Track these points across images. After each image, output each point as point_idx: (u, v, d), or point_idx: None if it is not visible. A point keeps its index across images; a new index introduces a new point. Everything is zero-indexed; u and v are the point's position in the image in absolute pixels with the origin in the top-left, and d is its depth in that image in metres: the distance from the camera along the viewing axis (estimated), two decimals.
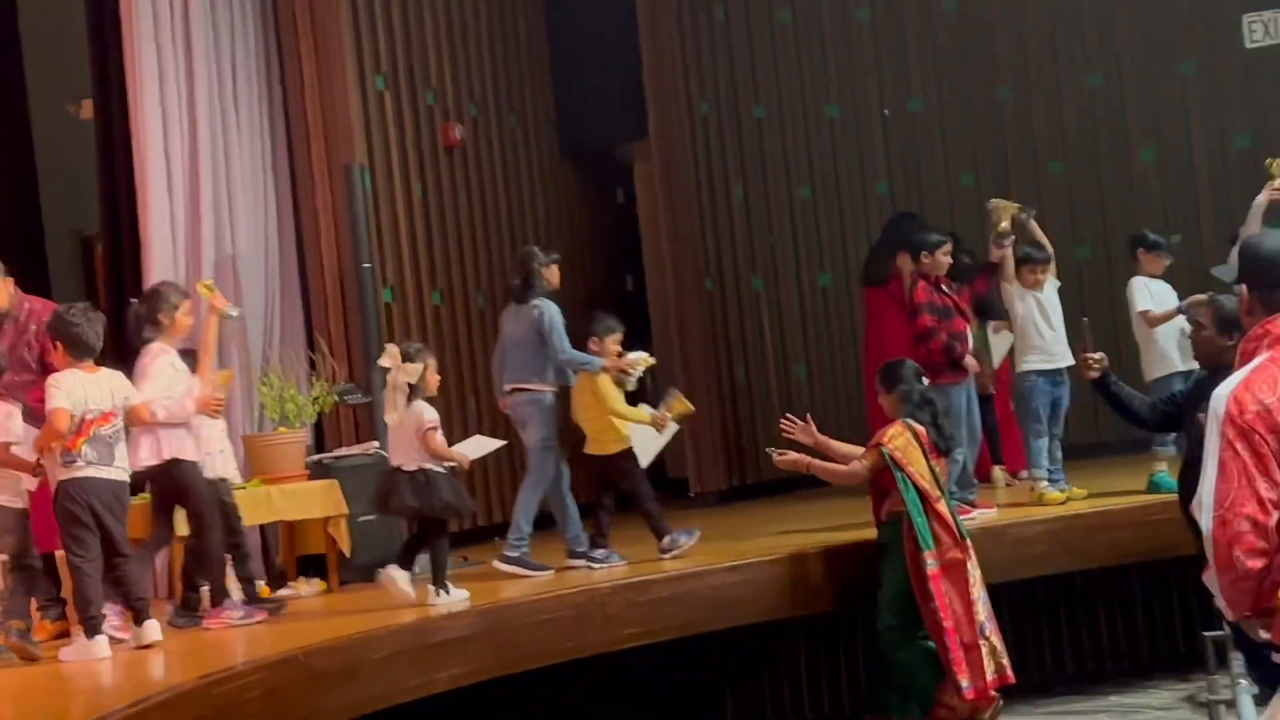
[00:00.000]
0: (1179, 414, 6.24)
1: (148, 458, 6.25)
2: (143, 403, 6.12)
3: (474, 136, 9.77)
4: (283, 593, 7.38)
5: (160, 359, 6.36)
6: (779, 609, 7.02)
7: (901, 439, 6.62)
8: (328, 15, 8.59)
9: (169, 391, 6.29)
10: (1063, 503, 7.82)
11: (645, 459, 7.37)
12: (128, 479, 6.05)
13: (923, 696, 6.61)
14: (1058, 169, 10.73)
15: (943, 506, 6.55)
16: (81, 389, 5.89)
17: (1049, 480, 7.92)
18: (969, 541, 6.61)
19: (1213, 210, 10.40)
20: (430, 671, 6.01)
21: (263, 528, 7.84)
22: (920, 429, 6.67)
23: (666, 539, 7.28)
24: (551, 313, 7.23)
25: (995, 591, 6.82)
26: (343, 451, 8.07)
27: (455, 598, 6.51)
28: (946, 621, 6.45)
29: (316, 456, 7.90)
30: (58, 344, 6.02)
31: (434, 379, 6.73)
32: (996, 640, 6.56)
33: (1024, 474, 8.15)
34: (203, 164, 8.17)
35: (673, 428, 7.46)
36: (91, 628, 5.83)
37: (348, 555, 7.53)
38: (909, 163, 10.94)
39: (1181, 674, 7.41)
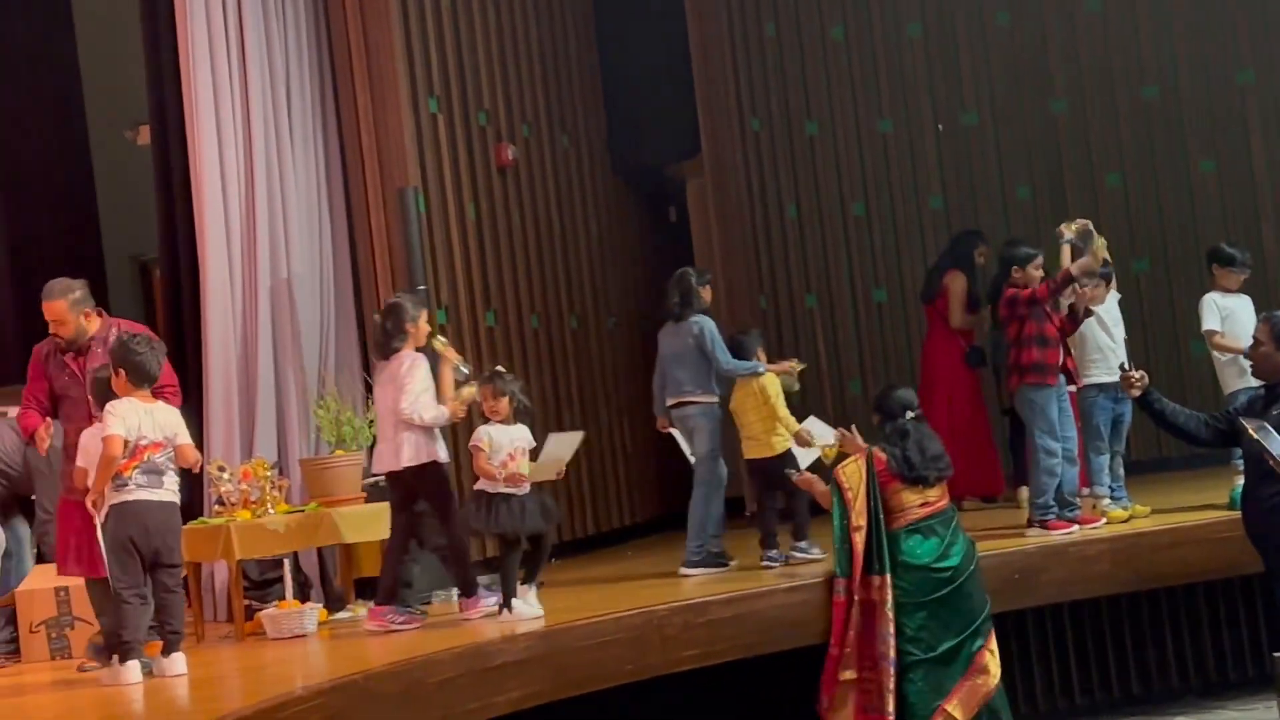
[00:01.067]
0: (1231, 429, 6.13)
1: (412, 458, 6.80)
2: (408, 405, 6.69)
3: (526, 157, 9.79)
4: (341, 615, 7.40)
5: (419, 364, 6.84)
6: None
7: (853, 466, 6.83)
8: (381, 39, 8.64)
9: (428, 393, 6.76)
10: (1125, 520, 7.72)
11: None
12: (178, 501, 6.15)
13: (909, 709, 6.66)
14: (1115, 181, 10.62)
15: (859, 538, 6.72)
16: (136, 417, 6.04)
17: (1111, 498, 7.82)
18: (886, 576, 6.69)
19: (1274, 222, 10.27)
20: (489, 695, 6.00)
21: (320, 550, 7.85)
22: (882, 457, 6.77)
23: (804, 542, 7.57)
24: (710, 327, 7.71)
25: (1057, 610, 6.75)
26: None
27: (521, 613, 6.58)
28: (833, 648, 6.73)
29: (373, 479, 7.92)
30: (120, 370, 6.12)
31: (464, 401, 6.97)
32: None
33: (1085, 491, 8.05)
34: (258, 189, 8.22)
35: (815, 451, 7.66)
36: (125, 653, 5.92)
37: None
38: (963, 177, 10.86)
39: (1250, 695, 7.29)
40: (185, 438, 6.20)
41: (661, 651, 6.58)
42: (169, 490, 6.09)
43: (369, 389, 8.26)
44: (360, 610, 7.39)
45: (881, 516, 6.76)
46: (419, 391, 6.77)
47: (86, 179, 10.46)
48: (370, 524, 7.38)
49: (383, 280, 8.62)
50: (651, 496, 10.73)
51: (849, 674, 6.73)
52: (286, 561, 7.36)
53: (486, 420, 6.91)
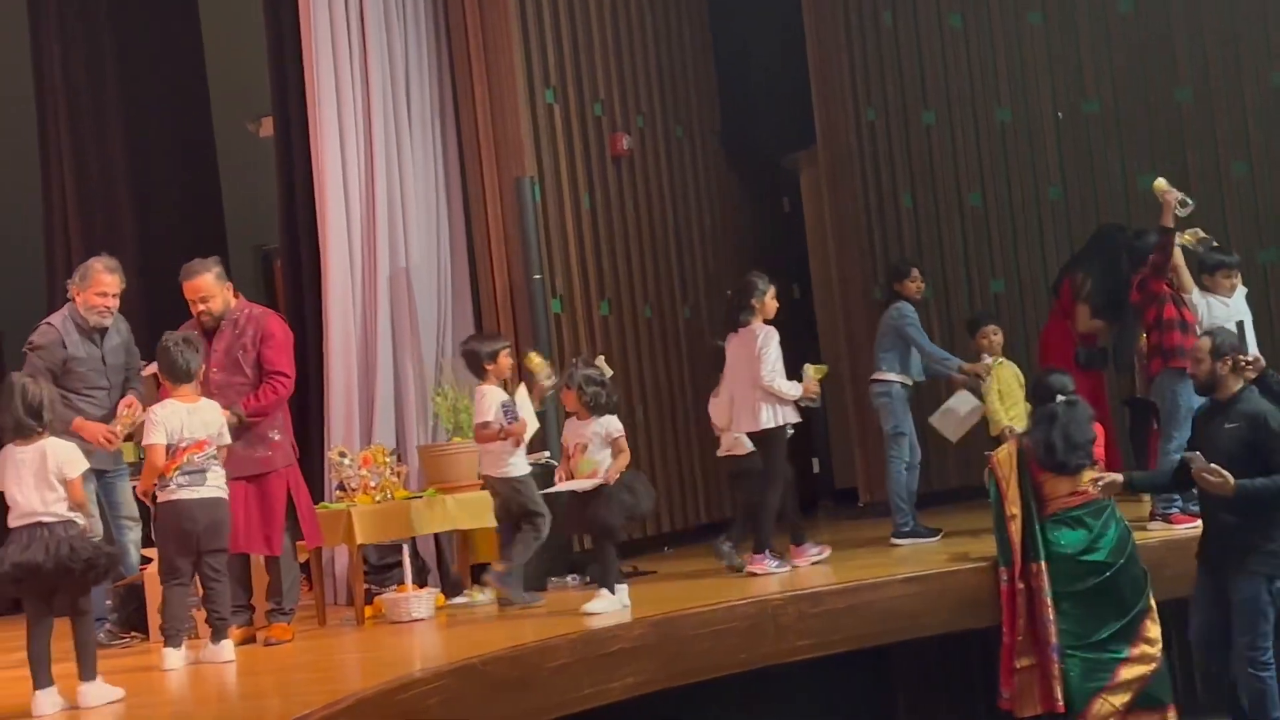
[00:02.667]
0: None
1: (769, 420, 7.36)
2: (767, 374, 7.29)
3: (641, 147, 9.82)
4: (458, 600, 7.49)
5: (772, 337, 7.45)
6: (955, 621, 6.91)
7: (1005, 452, 6.86)
8: (499, 32, 8.72)
9: (781, 364, 7.36)
10: None
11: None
12: (223, 495, 6.26)
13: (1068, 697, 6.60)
14: (1241, 170, 10.38)
15: (1014, 526, 6.68)
16: (177, 419, 6.20)
17: None
18: (1042, 563, 6.64)
19: None
20: (603, 681, 6.05)
21: (438, 536, 7.96)
22: (1029, 445, 6.72)
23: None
24: (910, 313, 8.39)
25: (1181, 606, 6.62)
26: (538, 457, 8.15)
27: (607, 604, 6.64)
28: (1006, 635, 6.68)
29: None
30: (160, 372, 6.35)
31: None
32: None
33: None
34: (378, 179, 8.34)
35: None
36: (171, 639, 6.13)
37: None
38: (1083, 166, 10.70)
39: None
40: (228, 438, 6.34)
41: (775, 641, 6.57)
42: (213, 486, 6.22)
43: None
44: (477, 596, 7.45)
45: (1034, 504, 6.71)
46: (774, 361, 7.34)
47: (211, 170, 10.68)
48: (487, 511, 7.45)
49: (499, 270, 8.70)
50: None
51: (1025, 661, 6.69)
52: (405, 547, 7.46)
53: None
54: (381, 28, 8.42)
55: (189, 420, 6.20)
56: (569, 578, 7.88)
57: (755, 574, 7.30)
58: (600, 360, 7.41)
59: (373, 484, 7.31)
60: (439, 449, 7.80)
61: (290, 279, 9.01)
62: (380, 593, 7.37)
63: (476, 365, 7.37)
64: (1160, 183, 7.74)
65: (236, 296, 7.04)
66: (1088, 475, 6.64)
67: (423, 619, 6.99)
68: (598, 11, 9.52)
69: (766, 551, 7.39)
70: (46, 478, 5.40)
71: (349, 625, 7.11)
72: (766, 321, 7.52)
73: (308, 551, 7.16)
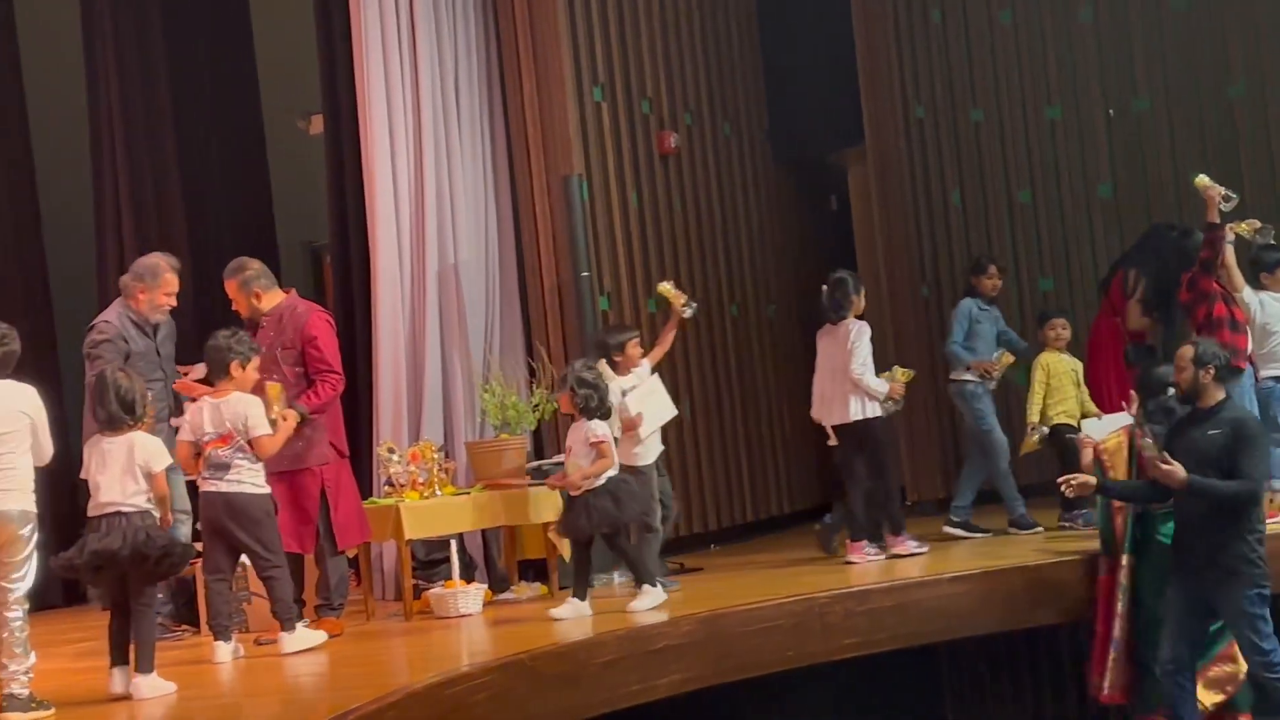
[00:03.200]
0: None
1: (858, 412, 7.62)
2: (857, 368, 7.57)
3: (689, 145, 9.82)
4: (505, 596, 7.52)
5: (864, 332, 7.73)
6: (1004, 621, 6.88)
7: (1115, 442, 6.76)
8: (547, 30, 8.74)
9: (870, 359, 7.62)
10: None
11: None
12: (245, 490, 6.25)
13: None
14: None
15: (1121, 519, 6.62)
16: (201, 415, 6.28)
17: None
18: (1132, 557, 6.61)
19: None
20: (651, 677, 6.06)
21: (485, 532, 7.99)
22: (1143, 437, 6.60)
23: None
24: (964, 307, 8.62)
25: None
26: (561, 458, 8.18)
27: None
28: (1099, 626, 6.66)
29: (536, 463, 8.03)
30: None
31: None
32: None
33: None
34: (427, 176, 8.38)
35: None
36: (219, 633, 6.19)
37: (567, 560, 7.62)
38: (1134, 163, 10.60)
39: None
40: (260, 428, 6.25)
41: (822, 639, 6.57)
42: (233, 480, 6.22)
43: (532, 373, 8.39)
44: (524, 592, 7.49)
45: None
46: (865, 356, 7.62)
47: (261, 167, 10.76)
48: (534, 507, 7.48)
49: (546, 266, 8.72)
50: (810, 484, 10.70)
51: (1117, 652, 6.64)
52: (453, 542, 7.50)
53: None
54: (431, 26, 8.45)
55: (212, 415, 6.25)
56: (616, 575, 7.89)
57: (852, 562, 7.51)
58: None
59: (421, 480, 7.35)
60: (487, 445, 7.83)
61: (339, 276, 9.07)
62: (428, 588, 7.41)
63: (606, 357, 7.54)
64: (1202, 179, 7.72)
65: (287, 292, 7.10)
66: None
67: (470, 614, 7.02)
68: (646, 9, 9.53)
69: (866, 540, 7.60)
70: (132, 469, 5.55)
71: (397, 620, 7.15)
72: (858, 317, 7.78)
73: (356, 548, 7.21)
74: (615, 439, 7.04)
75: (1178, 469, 6.14)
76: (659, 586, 6.73)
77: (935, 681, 7.21)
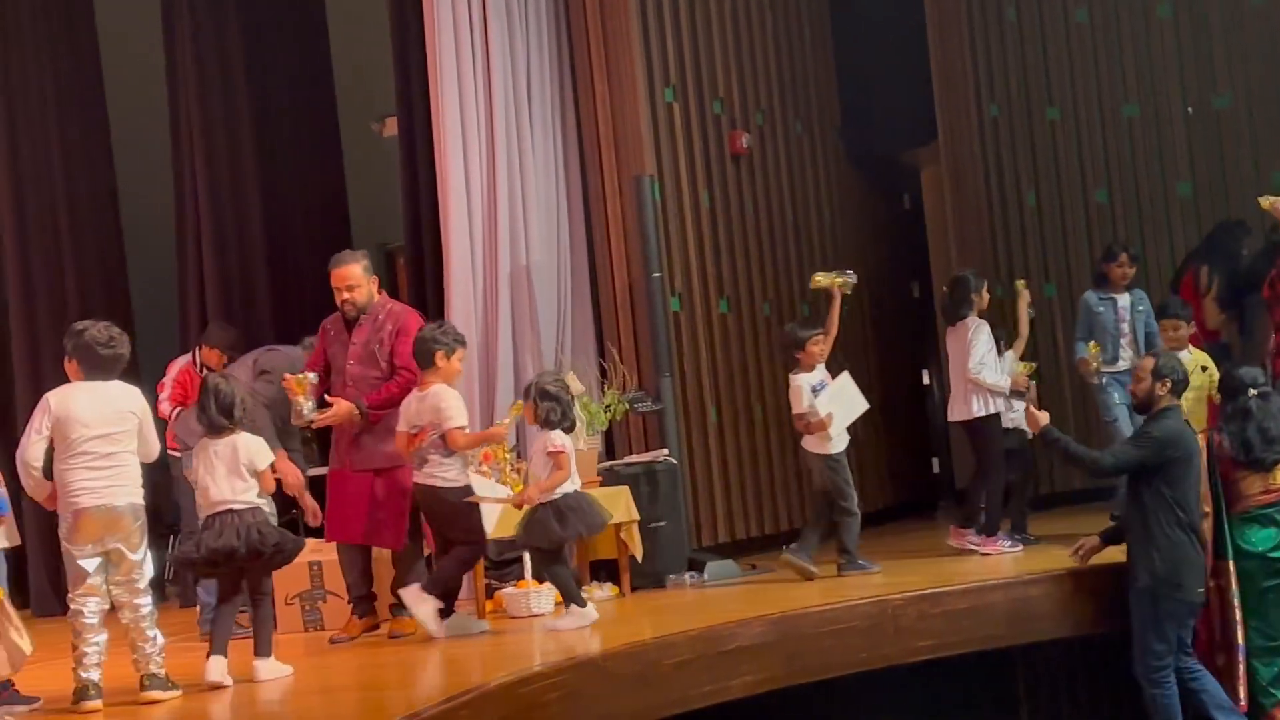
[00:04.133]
0: None
1: (979, 409, 7.74)
2: (974, 366, 7.68)
3: (760, 144, 9.79)
4: None
5: (982, 330, 7.83)
6: (1082, 624, 6.80)
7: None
8: (619, 31, 8.75)
9: (990, 356, 7.74)
10: None
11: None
12: (436, 484, 6.48)
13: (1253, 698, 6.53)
14: None
15: (1205, 524, 6.55)
16: (410, 408, 6.59)
17: None
18: (1229, 562, 6.53)
19: None
20: (723, 678, 6.04)
21: None
22: (1221, 441, 6.59)
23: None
24: (1087, 300, 8.38)
25: None
26: (634, 458, 8.20)
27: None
28: (1200, 633, 6.60)
29: (608, 463, 8.04)
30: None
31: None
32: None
33: None
34: (500, 178, 8.41)
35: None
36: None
37: (639, 560, 7.64)
38: (1214, 162, 10.45)
39: None
40: (453, 421, 6.49)
41: (895, 641, 6.52)
42: (428, 473, 6.50)
43: (603, 374, 8.41)
44: (595, 592, 7.50)
45: (1223, 501, 6.61)
46: (982, 355, 7.72)
47: (336, 170, 10.86)
48: (606, 507, 7.46)
49: (618, 267, 8.73)
50: (882, 485, 10.64)
51: (1219, 659, 6.59)
52: None
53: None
54: (504, 28, 8.49)
55: (417, 407, 6.58)
56: (687, 575, 7.89)
57: (988, 554, 7.66)
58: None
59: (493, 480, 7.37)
60: None
61: (413, 277, 9.13)
62: (500, 588, 7.44)
63: (789, 352, 7.70)
64: (1266, 199, 7.79)
65: (380, 293, 7.15)
66: None
67: (542, 614, 7.03)
68: (718, 8, 9.52)
69: (999, 533, 7.75)
70: (238, 469, 5.84)
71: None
72: (980, 315, 7.89)
73: (431, 546, 7.25)
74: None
75: (1038, 416, 6.74)
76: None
77: (1010, 687, 7.12)
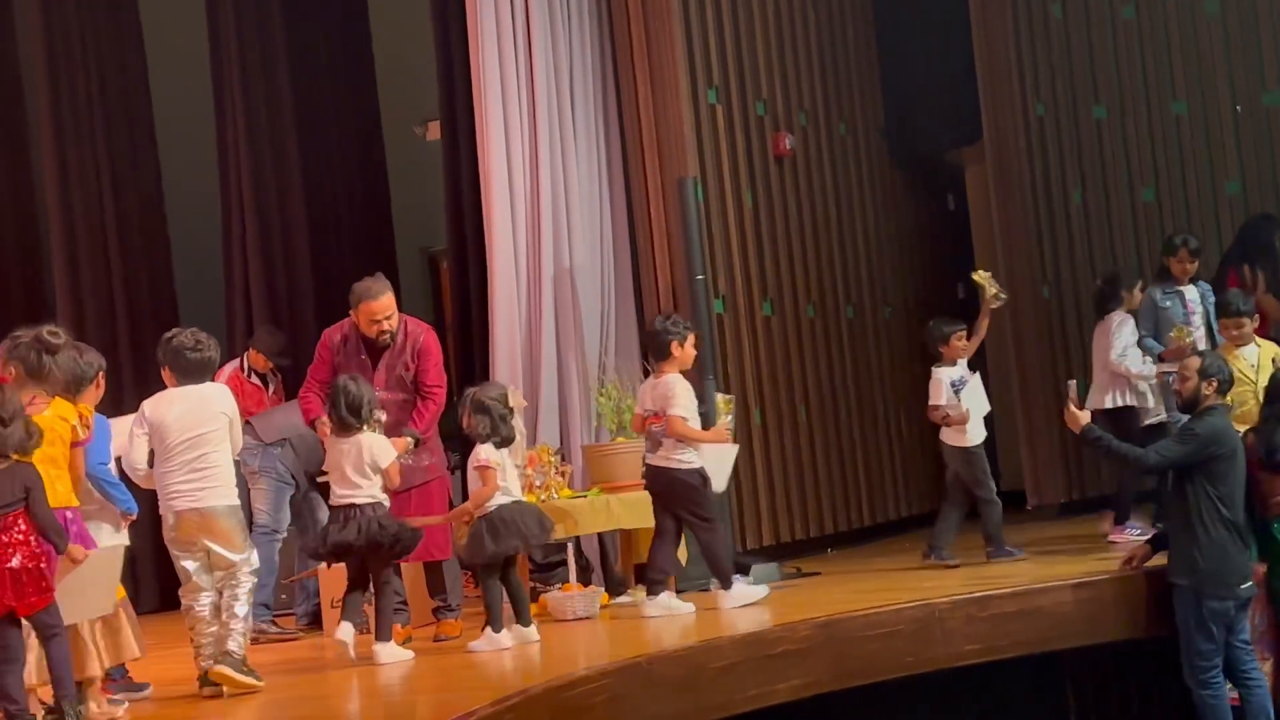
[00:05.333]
0: None
1: (1118, 401, 7.98)
2: (1115, 356, 7.96)
3: (804, 146, 9.75)
4: (621, 600, 7.51)
5: (1127, 323, 8.03)
6: (1131, 629, 6.72)
7: None
8: (662, 32, 8.73)
9: (1130, 350, 7.94)
10: None
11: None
12: (669, 466, 6.86)
13: None
14: None
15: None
16: (645, 394, 7.04)
17: None
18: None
19: None
20: (769, 682, 6.01)
21: (601, 536, 8.00)
22: (1251, 443, 6.56)
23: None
24: (1152, 297, 8.22)
25: None
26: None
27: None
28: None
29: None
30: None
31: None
32: None
33: None
34: (543, 180, 8.42)
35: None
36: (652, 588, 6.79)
37: (683, 564, 7.60)
38: (1264, 160, 10.33)
39: None
40: (676, 409, 6.82)
41: (942, 645, 6.47)
42: (661, 456, 6.87)
43: (646, 376, 8.38)
44: (639, 594, 7.48)
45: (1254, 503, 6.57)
46: (1125, 345, 7.95)
47: (380, 174, 10.89)
48: (650, 510, 7.45)
49: (661, 269, 8.71)
50: (928, 488, 10.56)
51: (1267, 661, 6.56)
52: (569, 546, 7.52)
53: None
54: (547, 31, 8.49)
55: (651, 393, 6.99)
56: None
57: (1115, 542, 7.80)
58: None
59: (537, 483, 7.38)
60: (603, 449, 7.84)
61: (456, 280, 9.15)
62: (545, 591, 7.43)
63: (933, 345, 7.95)
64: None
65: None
66: None
67: (587, 618, 7.02)
68: (760, 9, 9.48)
69: (1127, 523, 7.90)
70: (361, 466, 6.18)
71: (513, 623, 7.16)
72: (1129, 311, 8.09)
73: None
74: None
75: (1079, 416, 6.72)
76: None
77: (1060, 691, 7.05)
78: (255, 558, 5.74)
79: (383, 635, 6.17)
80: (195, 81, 10.27)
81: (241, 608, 5.62)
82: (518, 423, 6.73)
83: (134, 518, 5.65)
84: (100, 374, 5.46)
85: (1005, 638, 6.57)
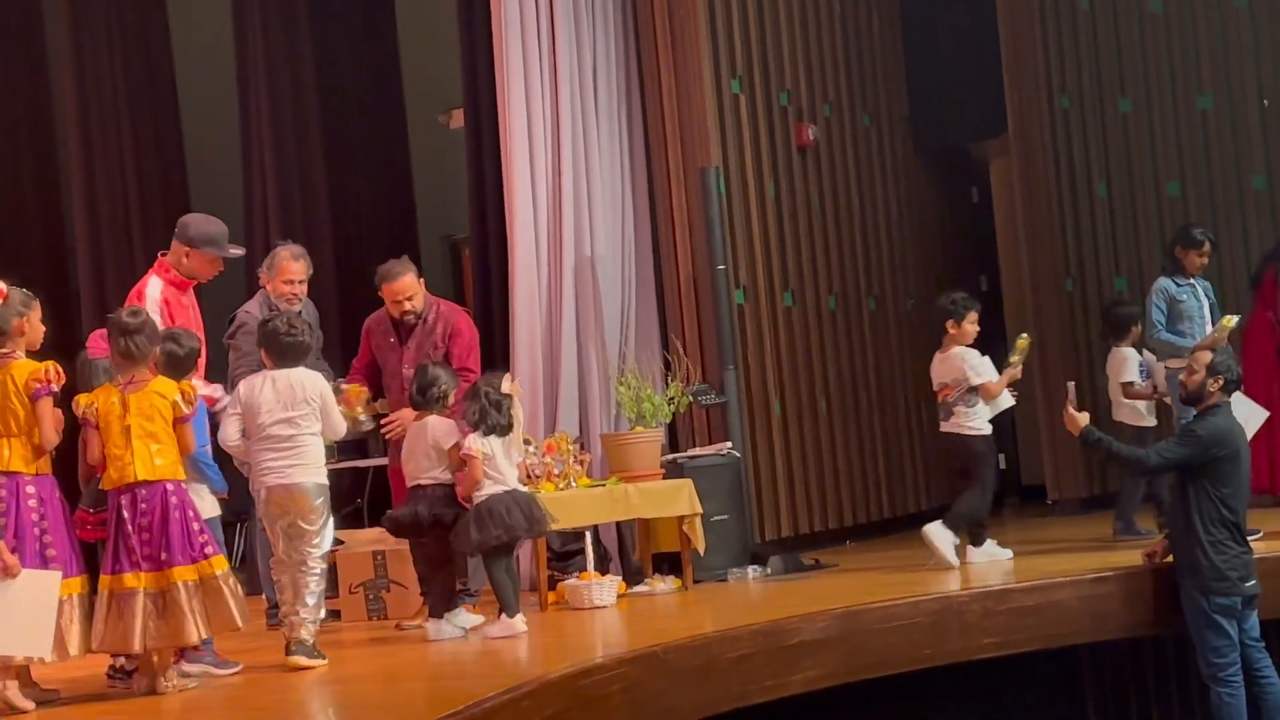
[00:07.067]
0: None
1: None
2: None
3: (827, 136, 9.73)
4: (639, 589, 7.53)
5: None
6: (1149, 624, 6.70)
7: None
8: (686, 22, 8.72)
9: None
10: None
11: None
12: (960, 431, 7.48)
13: None
14: None
15: None
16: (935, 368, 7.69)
17: None
18: None
19: None
20: (785, 673, 6.01)
21: (619, 525, 8.01)
22: None
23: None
24: (1161, 285, 8.23)
25: None
26: (697, 451, 8.19)
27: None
28: None
29: (671, 456, 8.02)
30: None
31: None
32: None
33: None
34: (565, 169, 8.42)
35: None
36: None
37: (701, 553, 7.62)
38: None
39: None
40: (980, 378, 7.53)
41: (960, 638, 6.46)
42: (953, 424, 7.52)
43: (667, 366, 8.39)
44: (658, 584, 7.49)
45: None
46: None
47: (403, 161, 10.91)
48: (668, 500, 7.47)
49: (683, 260, 8.71)
50: (948, 481, 10.53)
51: None
52: (587, 534, 7.53)
53: None
54: (570, 20, 8.49)
55: (938, 367, 7.65)
56: (749, 569, 7.86)
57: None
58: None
59: (556, 472, 7.38)
60: (622, 438, 7.83)
61: (478, 269, 9.15)
62: (562, 579, 7.45)
63: (1117, 326, 8.31)
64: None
65: (426, 292, 7.19)
66: None
67: (604, 606, 7.04)
68: (785, 0, 9.46)
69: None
70: (427, 449, 6.39)
71: (531, 610, 7.16)
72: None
73: None
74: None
75: (1078, 418, 6.65)
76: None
77: (1077, 685, 7.04)
78: (328, 539, 5.83)
79: (436, 612, 6.40)
80: (220, 70, 10.30)
81: (311, 597, 5.74)
82: (517, 411, 6.69)
83: (225, 496, 5.92)
84: (198, 357, 5.90)
85: (1022, 631, 6.56)
